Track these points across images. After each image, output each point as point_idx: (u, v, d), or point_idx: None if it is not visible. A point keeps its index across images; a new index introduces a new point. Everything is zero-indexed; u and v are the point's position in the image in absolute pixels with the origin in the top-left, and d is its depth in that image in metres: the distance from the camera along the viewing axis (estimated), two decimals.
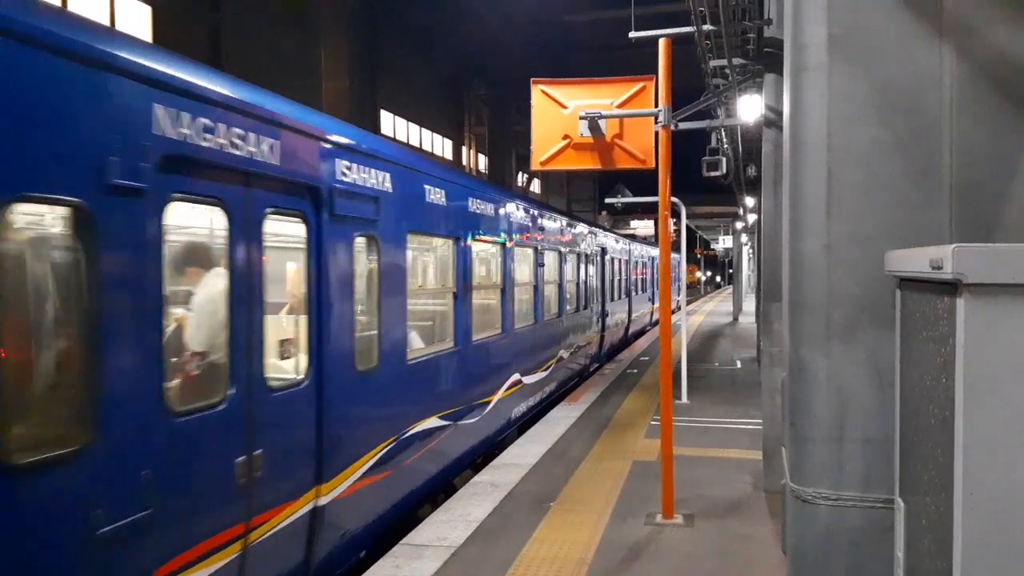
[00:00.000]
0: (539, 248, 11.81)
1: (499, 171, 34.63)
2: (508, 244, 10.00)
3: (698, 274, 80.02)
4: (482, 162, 35.97)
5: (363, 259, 6.03)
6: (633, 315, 23.71)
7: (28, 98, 3.07)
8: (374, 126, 23.82)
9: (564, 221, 14.20)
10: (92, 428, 3.34)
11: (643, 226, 49.12)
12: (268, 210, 4.62)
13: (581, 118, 6.93)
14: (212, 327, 4.38)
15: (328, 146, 5.34)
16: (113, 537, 3.37)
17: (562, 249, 13.56)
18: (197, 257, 4.55)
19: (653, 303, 28.87)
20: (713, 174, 12.15)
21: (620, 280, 21.32)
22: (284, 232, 5.27)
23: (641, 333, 25.76)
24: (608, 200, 25.68)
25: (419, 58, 28.16)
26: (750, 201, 22.42)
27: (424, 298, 8.37)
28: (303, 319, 5.20)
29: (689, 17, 8.52)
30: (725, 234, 53.93)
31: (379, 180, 6.12)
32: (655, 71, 6.79)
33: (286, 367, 5.16)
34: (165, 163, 3.69)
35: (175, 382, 4.08)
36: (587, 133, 6.97)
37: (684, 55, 9.40)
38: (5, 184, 2.98)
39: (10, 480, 2.97)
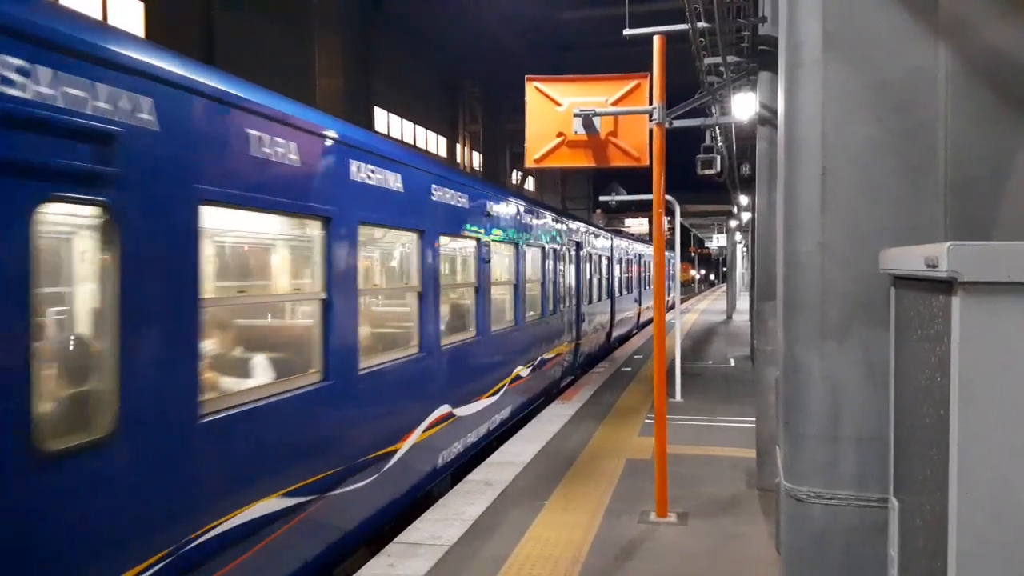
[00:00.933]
0: (483, 241, 9.30)
1: (493, 169, 34.60)
2: (429, 234, 7.52)
3: (692, 272, 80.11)
4: (476, 160, 35.94)
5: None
6: (617, 318, 21.83)
7: None
8: (368, 123, 23.76)
9: (522, 206, 11.59)
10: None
11: (637, 224, 49.17)
12: None
13: (575, 115, 6.91)
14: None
15: None
16: None
17: (521, 243, 11.18)
18: None
19: (640, 304, 27.31)
20: (707, 172, 12.15)
21: (601, 279, 19.12)
22: None
23: (627, 338, 24.04)
24: (602, 198, 25.68)
25: (413, 55, 28.11)
26: (744, 199, 22.43)
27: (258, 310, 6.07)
28: None
29: (683, 15, 8.51)
30: (719, 232, 54.04)
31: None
32: (649, 69, 6.78)
33: None
34: None
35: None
36: (581, 131, 6.95)
37: (678, 53, 9.39)
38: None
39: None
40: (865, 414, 3.66)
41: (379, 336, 7.24)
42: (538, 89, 7.12)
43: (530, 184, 41.48)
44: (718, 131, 13.93)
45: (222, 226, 5.01)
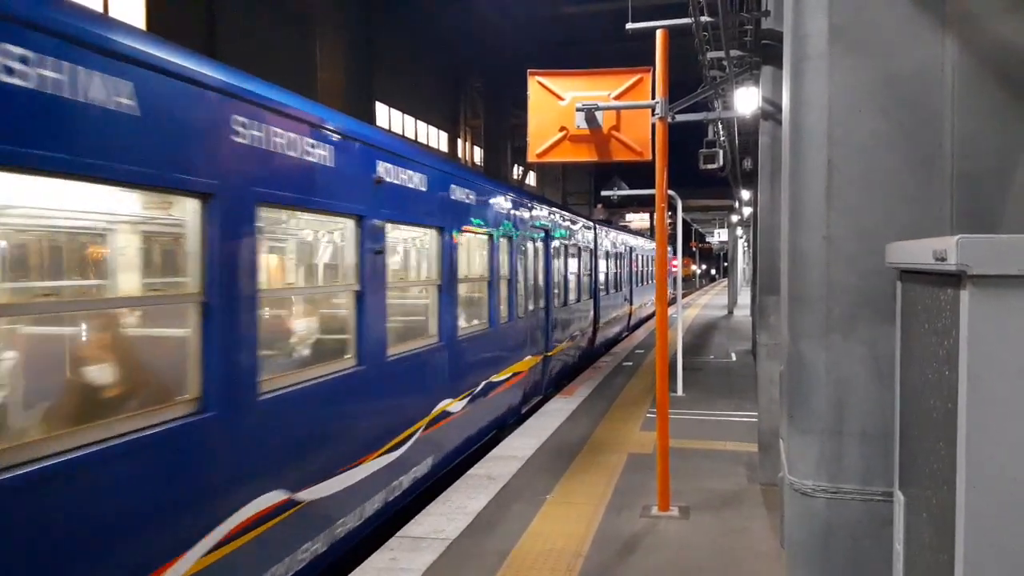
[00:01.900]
0: (371, 223, 6.16)
1: (495, 164, 34.56)
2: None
3: (693, 267, 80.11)
4: (478, 155, 35.90)
5: None
6: (603, 319, 19.08)
7: None
8: (370, 118, 23.73)
9: (456, 178, 8.42)
10: None
11: (639, 219, 49.15)
12: None
13: (578, 110, 6.89)
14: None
15: None
16: None
17: (450, 230, 8.07)
18: None
19: (632, 302, 24.60)
20: (709, 167, 12.15)
21: (580, 276, 16.30)
22: None
23: (615, 342, 21.09)
24: (604, 193, 25.60)
25: (415, 50, 28.06)
26: (746, 194, 22.41)
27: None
28: None
29: (687, 8, 8.49)
30: (720, 227, 54.00)
31: None
32: (652, 63, 6.76)
33: None
34: None
35: None
36: (584, 125, 6.93)
37: (681, 47, 9.38)
38: None
39: None
40: (870, 408, 3.66)
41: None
42: (540, 83, 7.10)
43: (531, 179, 41.44)
44: (720, 126, 13.92)
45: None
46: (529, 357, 11.49)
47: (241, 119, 4.54)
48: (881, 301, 3.59)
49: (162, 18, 15.75)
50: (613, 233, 22.00)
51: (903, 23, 3.66)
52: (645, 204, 44.99)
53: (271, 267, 5.92)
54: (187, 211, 4.25)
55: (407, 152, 7.11)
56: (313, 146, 5.36)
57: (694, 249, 73.95)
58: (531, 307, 11.78)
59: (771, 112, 7.65)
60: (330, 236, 6.76)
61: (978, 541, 2.40)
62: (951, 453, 2.49)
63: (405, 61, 27.65)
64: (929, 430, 2.80)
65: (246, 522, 4.45)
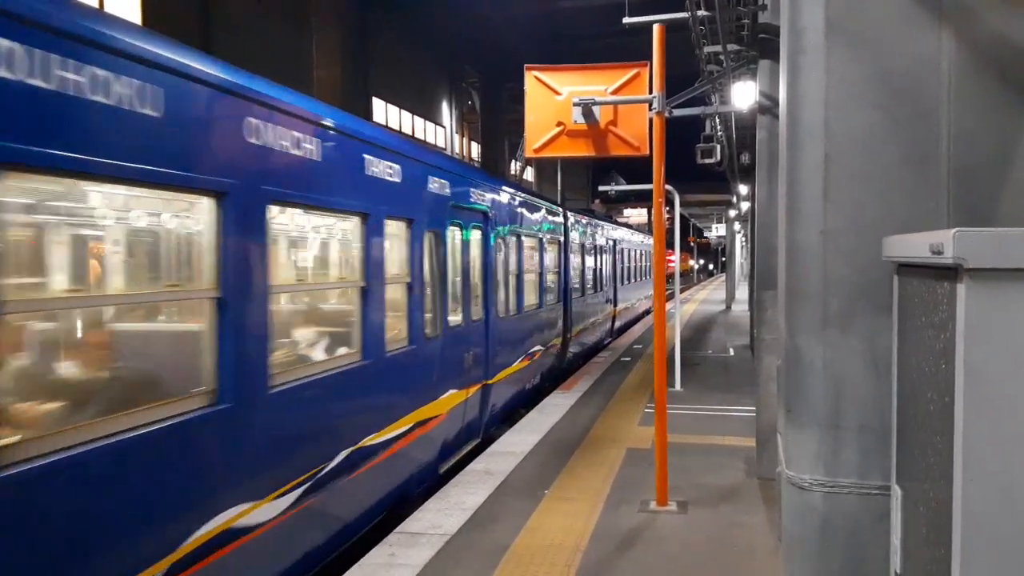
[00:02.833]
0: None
1: (492, 159, 34.52)
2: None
3: (691, 262, 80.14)
4: (475, 150, 35.87)
5: None
6: (576, 328, 15.69)
7: None
8: (367, 114, 23.69)
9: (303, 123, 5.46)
10: None
11: (636, 214, 49.15)
12: None
13: (575, 104, 6.88)
14: None
15: None
16: None
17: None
18: None
19: (616, 304, 21.51)
20: (707, 161, 12.14)
21: (544, 274, 13.11)
22: None
23: (594, 351, 17.83)
24: (602, 188, 25.54)
25: (411, 46, 28.01)
26: (744, 189, 22.40)
27: None
28: None
29: (683, 3, 8.48)
30: (718, 222, 54.03)
31: None
32: (649, 57, 6.75)
33: None
34: None
35: None
36: (581, 120, 6.93)
37: (678, 41, 9.36)
38: None
39: None
40: (867, 402, 3.66)
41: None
42: (538, 78, 7.09)
43: (529, 174, 41.40)
44: (718, 120, 13.90)
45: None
46: (453, 392, 8.15)
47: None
48: (878, 295, 3.59)
49: (157, 13, 15.70)
50: (591, 222, 18.47)
51: (900, 17, 3.65)
52: (643, 199, 44.97)
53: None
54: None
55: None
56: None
57: (692, 244, 73.97)
58: (465, 318, 8.71)
59: (768, 106, 7.65)
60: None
61: (975, 535, 2.40)
62: (948, 447, 2.49)
63: (402, 57, 27.59)
64: (926, 424, 2.80)
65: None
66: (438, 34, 28.68)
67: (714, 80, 10.30)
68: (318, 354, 6.07)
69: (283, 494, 4.90)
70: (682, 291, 42.10)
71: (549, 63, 7.34)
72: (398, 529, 6.21)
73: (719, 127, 14.33)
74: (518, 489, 7.25)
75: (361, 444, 5.99)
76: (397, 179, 6.80)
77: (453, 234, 8.52)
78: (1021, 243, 2.36)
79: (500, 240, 10.38)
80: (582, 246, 16.81)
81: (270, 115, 4.90)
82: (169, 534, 3.94)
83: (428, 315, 7.61)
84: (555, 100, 7.03)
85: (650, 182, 6.87)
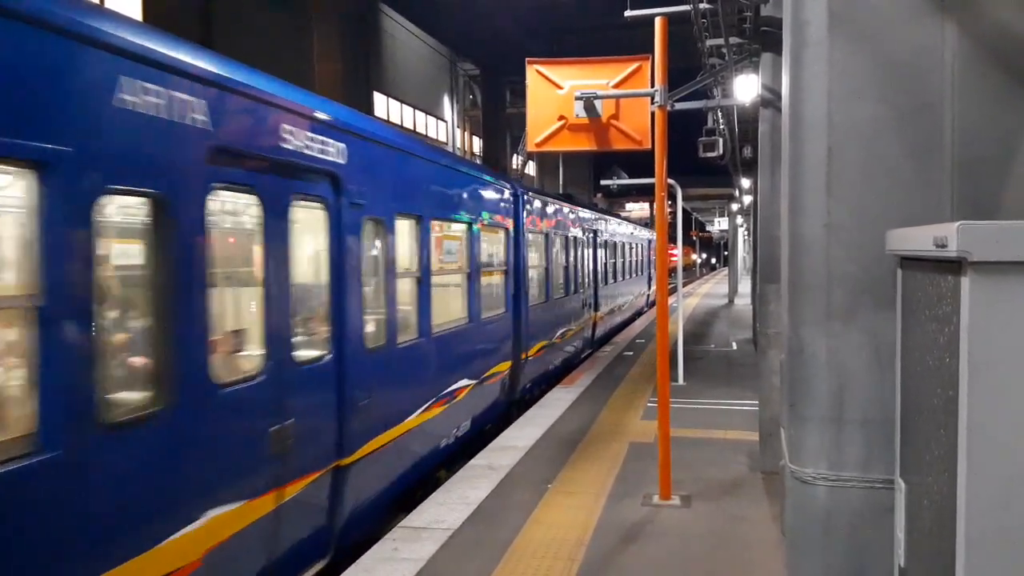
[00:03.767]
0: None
1: (494, 153, 34.49)
2: None
3: (694, 256, 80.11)
4: (477, 144, 35.83)
5: None
6: (534, 346, 11.76)
7: None
8: (368, 109, 23.66)
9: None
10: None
11: (639, 208, 49.07)
12: None
13: (577, 98, 6.87)
14: None
15: None
16: None
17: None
18: None
19: (597, 309, 17.74)
20: (709, 155, 12.11)
21: (482, 275, 9.57)
22: None
23: (567, 370, 14.22)
24: (603, 182, 25.48)
25: (413, 40, 27.96)
26: (746, 182, 22.36)
27: None
28: None
29: None
30: (721, 216, 53.96)
31: None
32: (651, 51, 6.73)
33: None
34: None
35: None
36: (583, 114, 6.92)
37: (680, 34, 9.34)
38: None
39: None
40: (871, 395, 3.66)
41: None
42: (539, 72, 7.08)
43: (531, 169, 41.36)
44: (720, 114, 13.88)
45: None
46: (305, 476, 5.15)
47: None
48: (881, 288, 3.58)
49: (158, 8, 15.67)
50: (561, 208, 14.58)
51: (902, 9, 3.63)
52: (645, 193, 44.92)
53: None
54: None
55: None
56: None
57: (694, 238, 73.92)
58: (326, 351, 5.58)
59: (771, 100, 7.62)
60: None
61: (979, 527, 2.40)
62: (952, 440, 2.48)
63: (403, 51, 27.55)
64: (930, 417, 2.80)
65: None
66: (439, 28, 28.62)
67: (716, 73, 10.27)
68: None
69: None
70: (685, 285, 42.00)
71: (552, 56, 7.33)
72: (401, 524, 6.22)
73: (721, 121, 14.31)
74: (521, 483, 7.25)
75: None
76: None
77: (285, 218, 5.05)
78: None
79: (372, 225, 6.33)
80: (546, 237, 13.04)
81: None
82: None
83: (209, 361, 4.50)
84: (557, 94, 7.02)
85: (652, 176, 6.85)
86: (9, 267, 3.65)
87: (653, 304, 28.76)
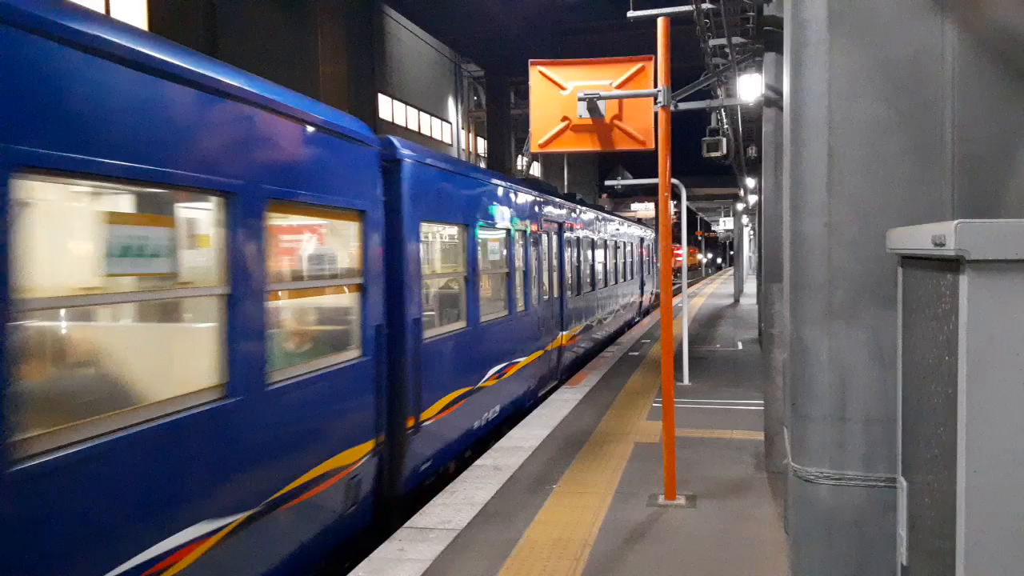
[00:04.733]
0: None
1: (498, 155, 34.52)
2: None
3: (699, 256, 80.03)
4: (481, 146, 35.86)
5: None
6: (432, 404, 7.55)
7: None
8: (372, 111, 23.71)
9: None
10: None
11: (644, 209, 49.05)
12: None
13: (580, 99, 6.89)
14: None
15: None
16: None
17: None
18: None
19: (562, 327, 13.37)
20: (713, 155, 12.12)
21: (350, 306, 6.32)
22: None
23: (515, 418, 10.48)
24: (608, 182, 25.47)
25: (417, 42, 28.01)
26: (751, 182, 22.34)
27: None
28: None
29: None
30: (726, 215, 53.91)
31: None
32: (654, 51, 6.74)
33: None
34: None
35: None
36: (586, 114, 6.93)
37: (683, 35, 9.35)
38: None
39: None
40: (872, 394, 3.66)
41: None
42: (542, 73, 7.10)
43: (536, 169, 41.38)
44: (724, 113, 13.87)
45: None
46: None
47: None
48: (883, 287, 3.59)
49: (163, 12, 15.75)
50: (495, 189, 10.08)
51: (902, 8, 3.64)
52: (649, 193, 44.91)
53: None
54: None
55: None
56: None
57: (699, 238, 73.84)
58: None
59: (774, 99, 7.62)
60: None
61: (979, 525, 2.40)
62: (951, 438, 2.49)
63: (407, 53, 27.60)
64: (930, 415, 2.81)
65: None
66: (443, 30, 28.67)
67: (719, 73, 10.28)
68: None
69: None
70: (690, 285, 41.88)
71: (555, 57, 7.34)
72: (407, 524, 6.24)
73: (725, 121, 14.30)
74: (527, 483, 7.27)
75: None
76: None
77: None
78: (1023, 234, 2.36)
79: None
80: (469, 232, 8.85)
81: None
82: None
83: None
84: (560, 95, 7.03)
85: (656, 176, 6.86)
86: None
87: (648, 312, 26.95)
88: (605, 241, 18.50)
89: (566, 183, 36.92)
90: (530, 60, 7.21)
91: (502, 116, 34.97)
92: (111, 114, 3.68)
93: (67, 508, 3.37)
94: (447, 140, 32.11)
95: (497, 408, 9.60)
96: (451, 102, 33.11)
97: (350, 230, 6.21)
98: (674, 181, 11.23)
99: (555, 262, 13.22)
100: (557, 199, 13.74)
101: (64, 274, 3.92)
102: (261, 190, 4.75)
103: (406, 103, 27.99)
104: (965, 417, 2.40)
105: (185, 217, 4.73)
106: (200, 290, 4.55)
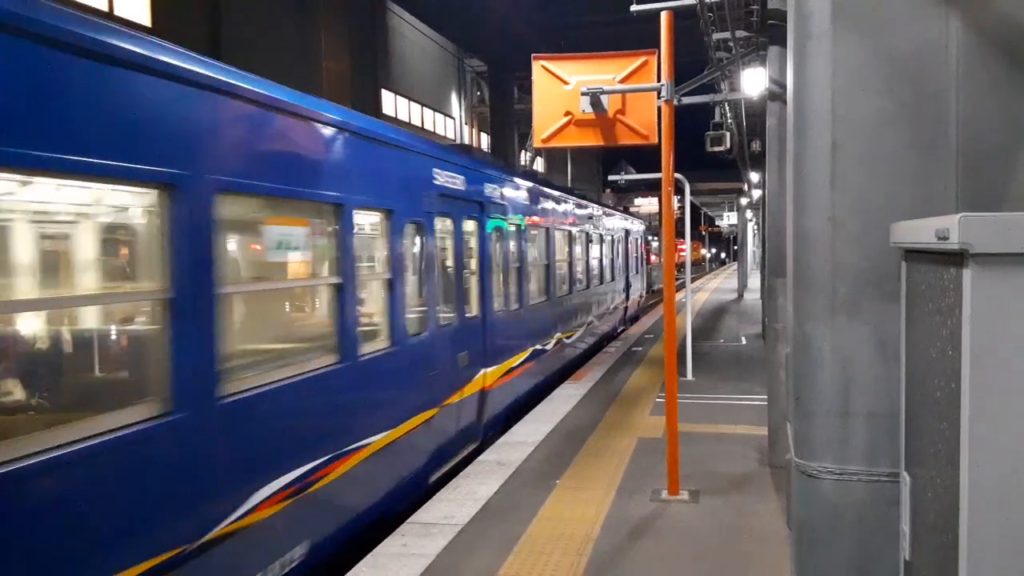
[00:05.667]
0: None
1: (502, 150, 34.48)
2: None
3: (703, 251, 79.94)
4: (485, 141, 35.83)
5: None
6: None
7: None
8: (375, 106, 23.70)
9: None
10: None
11: (647, 203, 48.97)
12: None
13: (583, 94, 6.87)
14: None
15: None
16: None
17: None
18: None
19: (487, 363, 9.14)
20: (717, 149, 12.10)
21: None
22: None
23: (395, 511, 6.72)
24: (611, 177, 25.38)
25: (420, 38, 27.97)
26: (755, 177, 22.29)
27: None
28: None
29: None
30: (730, 210, 53.80)
31: None
32: (657, 45, 6.72)
33: None
34: None
35: None
36: (589, 109, 6.91)
37: (687, 29, 9.31)
38: None
39: None
40: (876, 389, 3.65)
41: None
42: (545, 68, 7.08)
43: (539, 164, 41.33)
44: (728, 108, 13.83)
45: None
46: None
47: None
48: (886, 281, 3.57)
49: (166, 9, 15.74)
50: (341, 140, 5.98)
51: (906, 1, 3.62)
52: (653, 188, 44.79)
53: None
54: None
55: None
56: None
57: (703, 233, 73.72)
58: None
59: (778, 93, 7.59)
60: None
61: (982, 521, 2.39)
62: (955, 433, 2.48)
63: (410, 48, 27.56)
64: (933, 410, 2.79)
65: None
66: (446, 25, 28.62)
67: (723, 67, 10.24)
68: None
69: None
70: (694, 280, 41.75)
71: (558, 52, 7.32)
72: (410, 520, 6.25)
73: (729, 115, 14.26)
74: (530, 479, 7.27)
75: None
76: None
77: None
78: None
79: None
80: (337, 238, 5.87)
81: None
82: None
83: None
84: (563, 90, 7.01)
85: (660, 171, 6.84)
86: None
87: (636, 318, 23.07)
88: (571, 234, 14.36)
89: (569, 178, 36.88)
90: (533, 55, 7.19)
91: (505, 111, 34.91)
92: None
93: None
94: (450, 135, 32.08)
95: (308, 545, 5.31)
96: (454, 97, 33.06)
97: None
98: (678, 176, 11.19)
99: (471, 263, 9.06)
100: (477, 166, 9.48)
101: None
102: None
103: (409, 98, 27.96)
104: (968, 412, 2.39)
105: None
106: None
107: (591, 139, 7.15)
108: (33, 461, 3.26)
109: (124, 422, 3.77)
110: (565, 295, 13.84)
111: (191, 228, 4.23)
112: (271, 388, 4.90)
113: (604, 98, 6.88)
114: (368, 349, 6.21)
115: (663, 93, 6.63)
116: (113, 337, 5.15)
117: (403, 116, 27.20)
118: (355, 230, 6.02)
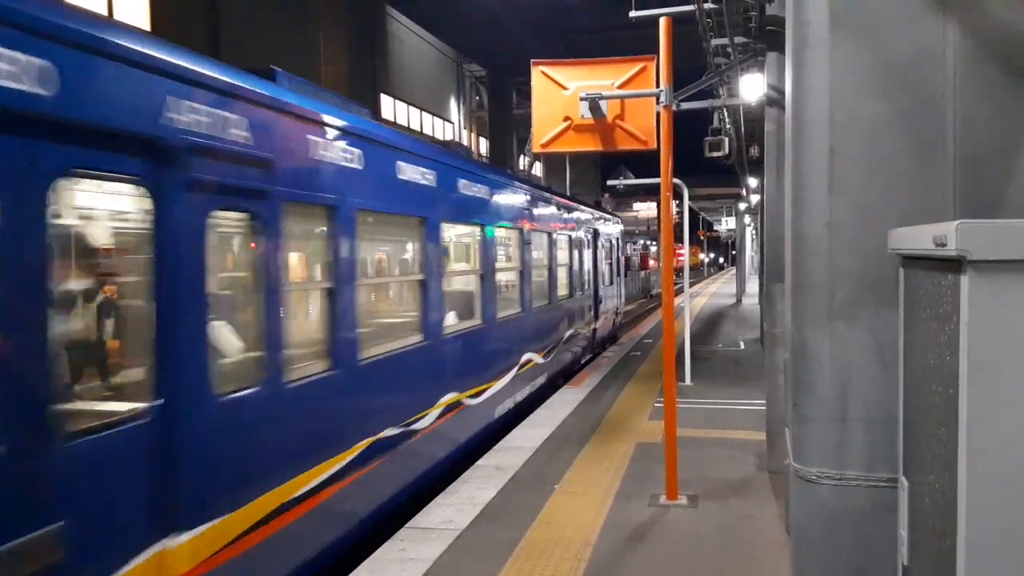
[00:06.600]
0: None
1: (500, 154, 34.52)
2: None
3: (701, 256, 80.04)
4: (483, 145, 35.86)
5: None
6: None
7: None
8: (374, 110, 23.71)
9: None
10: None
11: (646, 208, 49.01)
12: None
13: (582, 99, 6.89)
14: None
15: None
16: None
17: None
18: None
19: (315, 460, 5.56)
20: (715, 154, 12.12)
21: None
22: None
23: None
24: (610, 182, 25.39)
25: (419, 42, 28.02)
26: (753, 182, 22.33)
27: None
28: None
29: None
30: (728, 215, 53.87)
31: None
32: (656, 51, 6.74)
33: None
34: None
35: None
36: (588, 114, 6.93)
37: (685, 34, 9.34)
38: None
39: None
40: (874, 394, 3.66)
41: None
42: (544, 73, 7.10)
43: (538, 169, 41.37)
44: (726, 113, 13.87)
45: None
46: None
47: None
48: (884, 287, 3.58)
49: (165, 12, 15.75)
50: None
51: (904, 7, 3.63)
52: (652, 193, 44.86)
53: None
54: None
55: None
56: None
57: (701, 238, 73.79)
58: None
59: (776, 99, 7.62)
60: None
61: (980, 526, 2.40)
62: (952, 438, 2.49)
63: (409, 53, 27.60)
64: (931, 415, 2.80)
65: None
66: (445, 30, 28.67)
67: (722, 73, 10.27)
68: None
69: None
70: (692, 285, 41.79)
71: (557, 57, 7.34)
72: (409, 524, 6.24)
73: (727, 120, 14.30)
74: (528, 484, 7.27)
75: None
76: None
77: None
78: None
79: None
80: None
81: None
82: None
83: None
84: (562, 95, 7.03)
85: (658, 176, 6.86)
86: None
87: (613, 338, 19.34)
88: (505, 238, 10.66)
89: (568, 183, 36.90)
90: (532, 60, 7.21)
91: (504, 116, 34.95)
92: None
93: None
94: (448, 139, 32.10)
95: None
96: (453, 102, 33.10)
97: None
98: (676, 181, 11.22)
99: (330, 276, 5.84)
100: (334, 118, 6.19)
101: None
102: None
103: (408, 103, 27.99)
104: (966, 417, 2.40)
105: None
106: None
107: (590, 144, 7.17)
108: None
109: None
110: (483, 324, 9.15)
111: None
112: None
113: (603, 103, 6.90)
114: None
115: (662, 98, 6.65)
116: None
117: (402, 120, 27.23)
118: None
